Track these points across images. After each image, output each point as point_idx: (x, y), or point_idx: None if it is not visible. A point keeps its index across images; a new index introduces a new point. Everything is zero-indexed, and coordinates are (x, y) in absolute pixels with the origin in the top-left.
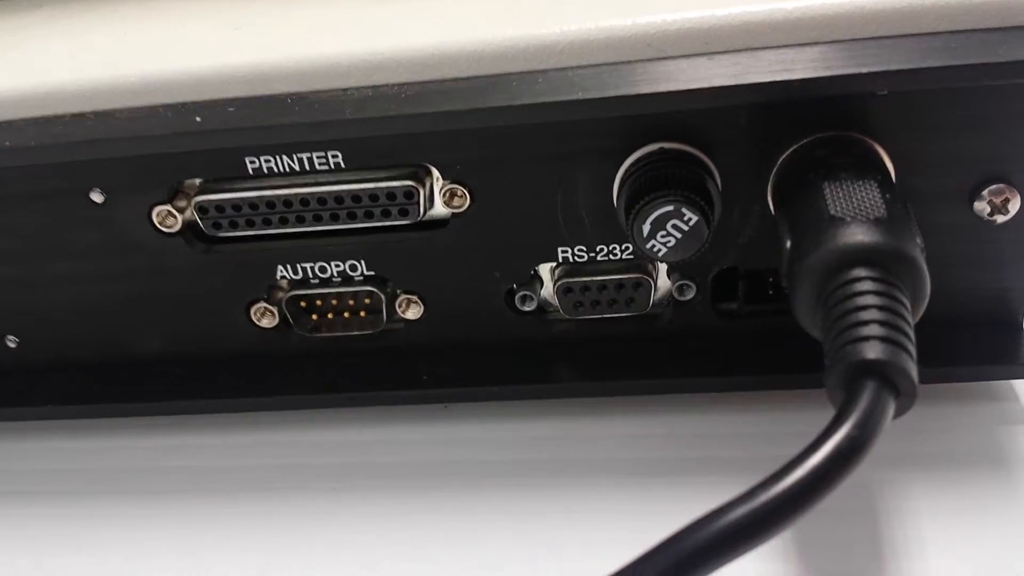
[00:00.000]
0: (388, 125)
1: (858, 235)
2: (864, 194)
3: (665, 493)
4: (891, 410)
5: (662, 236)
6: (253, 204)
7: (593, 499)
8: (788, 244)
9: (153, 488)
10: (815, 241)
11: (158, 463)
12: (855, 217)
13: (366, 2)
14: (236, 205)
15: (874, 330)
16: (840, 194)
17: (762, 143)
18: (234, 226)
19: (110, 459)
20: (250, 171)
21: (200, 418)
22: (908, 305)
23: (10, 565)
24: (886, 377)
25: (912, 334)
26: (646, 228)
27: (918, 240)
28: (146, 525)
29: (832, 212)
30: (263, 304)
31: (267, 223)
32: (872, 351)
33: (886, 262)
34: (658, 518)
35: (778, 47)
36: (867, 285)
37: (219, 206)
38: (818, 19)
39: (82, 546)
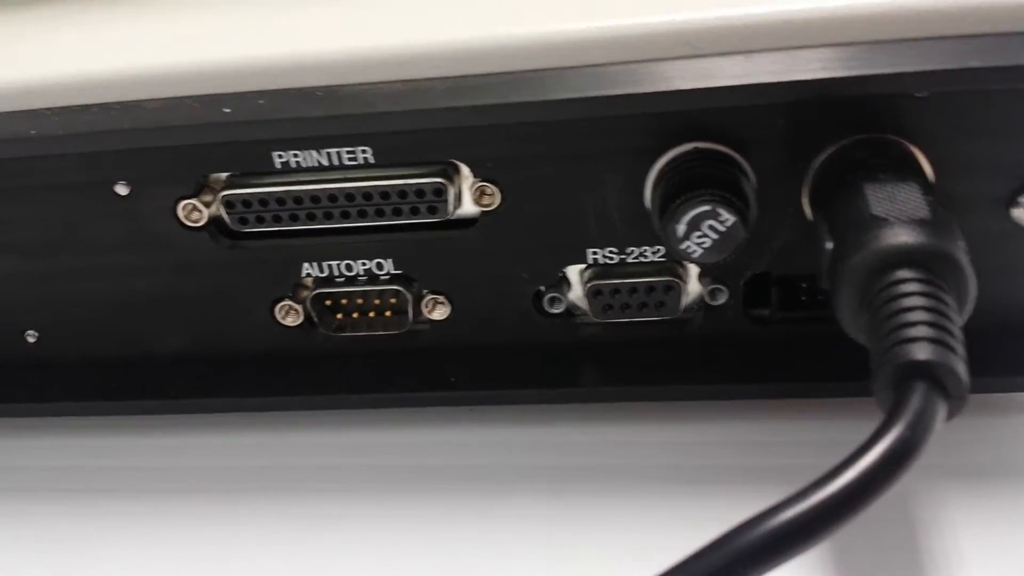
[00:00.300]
0: (420, 119)
1: (903, 236)
2: (906, 195)
3: (696, 500)
4: (942, 412)
5: (697, 237)
6: (280, 199)
7: (623, 505)
8: (828, 245)
9: (169, 487)
10: (858, 242)
11: (175, 462)
12: (898, 218)
13: None
14: (263, 200)
15: (923, 331)
16: (882, 195)
17: (799, 143)
18: (260, 222)
19: (129, 457)
20: (278, 166)
21: (220, 417)
22: (955, 307)
23: (26, 563)
24: (936, 379)
25: (960, 336)
26: (681, 229)
27: (961, 242)
28: (160, 523)
29: (875, 212)
30: (287, 302)
31: (294, 219)
32: (922, 352)
33: (931, 263)
34: (690, 525)
35: (817, 46)
36: (914, 286)
37: (246, 201)
38: (858, 19)
39: (98, 545)
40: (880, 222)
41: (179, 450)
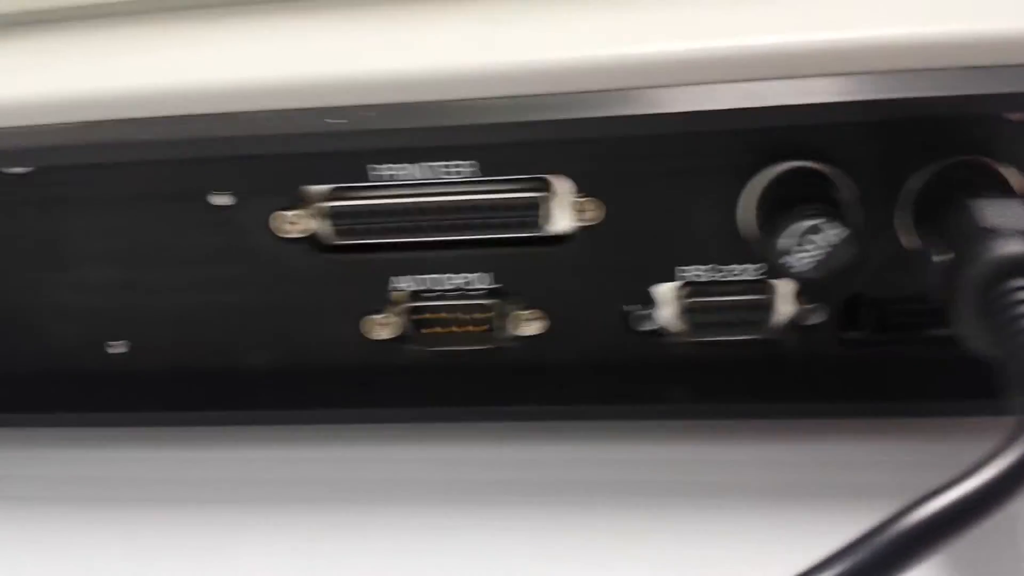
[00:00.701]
0: (526, 132)
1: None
2: (1013, 209)
3: (797, 516)
4: None
5: (803, 252)
6: (378, 212)
7: (715, 521)
8: (940, 259)
9: (254, 497)
10: (976, 252)
11: (259, 474)
12: (1012, 229)
13: (505, 12)
14: (361, 212)
15: None
16: (992, 209)
17: (897, 163)
18: (358, 234)
19: (213, 469)
20: (377, 178)
21: (305, 429)
22: None
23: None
24: None
25: None
26: (786, 243)
27: None
28: (246, 534)
29: (989, 224)
30: (380, 315)
31: (391, 232)
32: None
33: None
34: (788, 541)
35: (915, 70)
36: None
37: (345, 213)
38: (955, 43)
39: (189, 555)
40: (996, 233)
41: (262, 462)
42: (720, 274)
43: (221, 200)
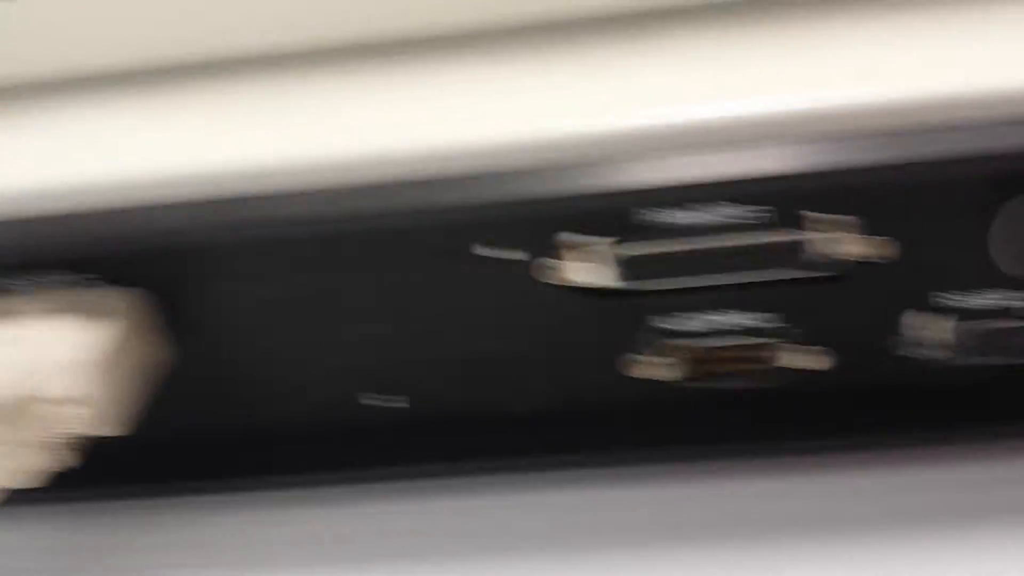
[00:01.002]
0: (830, 176)
1: None
2: None
3: None
4: None
5: None
6: (659, 258)
7: None
8: None
9: (553, 540)
10: None
11: (556, 519)
12: None
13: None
14: (642, 259)
15: None
16: None
17: None
18: (635, 278)
19: (502, 517)
20: (656, 222)
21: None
22: None
23: None
24: None
25: None
26: None
27: None
28: None
29: None
30: (648, 356)
31: (669, 276)
32: None
33: None
34: None
35: None
36: None
37: (628, 259)
38: None
39: None
40: None
41: (535, 508)
42: (1005, 300)
43: (487, 252)
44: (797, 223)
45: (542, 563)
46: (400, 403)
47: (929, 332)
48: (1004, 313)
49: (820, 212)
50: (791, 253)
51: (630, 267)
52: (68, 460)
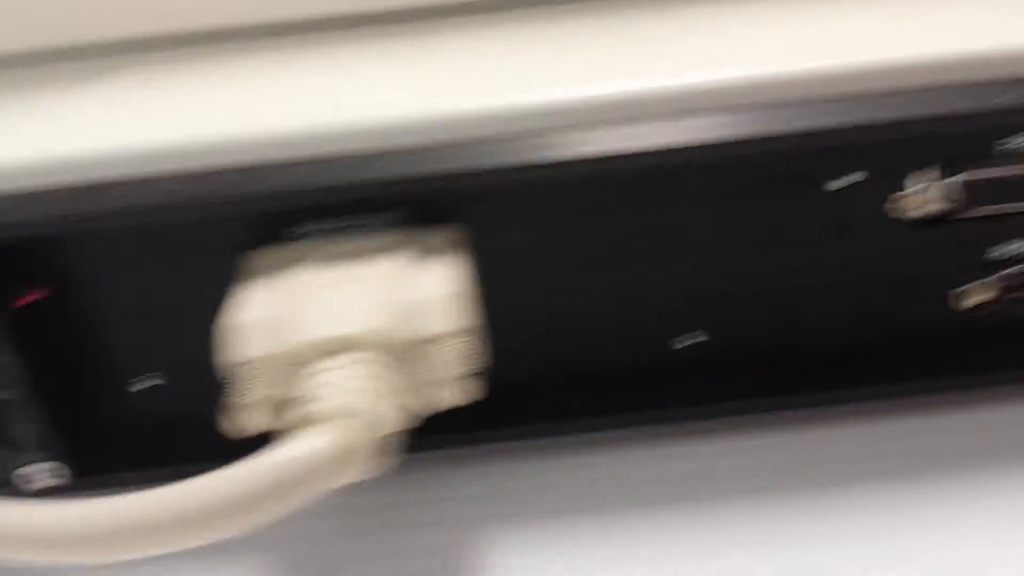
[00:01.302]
0: None
1: None
2: None
3: None
4: None
5: None
6: (999, 183)
7: None
8: None
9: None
10: None
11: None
12: None
13: None
14: (983, 185)
15: None
16: None
17: None
18: (972, 207)
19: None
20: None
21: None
22: None
23: None
24: None
25: None
26: None
27: None
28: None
29: None
30: (971, 284)
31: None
32: None
33: None
34: None
35: None
36: None
37: (975, 185)
38: None
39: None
40: None
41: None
42: None
43: (837, 184)
44: None
45: (864, 496)
46: (699, 337)
47: None
48: None
49: None
50: None
51: (961, 195)
52: (474, 393)
